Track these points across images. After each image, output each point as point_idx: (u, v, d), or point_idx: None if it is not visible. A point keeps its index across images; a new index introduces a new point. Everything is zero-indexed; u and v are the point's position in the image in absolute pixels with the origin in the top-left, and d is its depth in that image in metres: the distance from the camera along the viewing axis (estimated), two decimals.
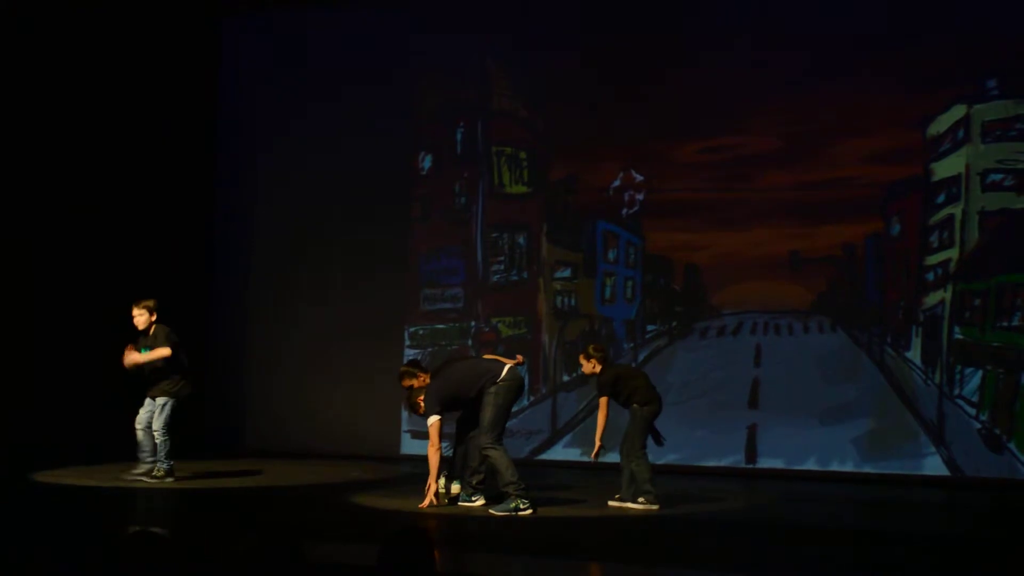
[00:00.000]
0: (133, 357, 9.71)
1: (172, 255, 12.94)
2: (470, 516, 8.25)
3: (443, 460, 8.55)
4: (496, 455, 8.27)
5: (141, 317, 9.78)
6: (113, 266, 12.13)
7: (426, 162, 13.10)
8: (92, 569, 4.99)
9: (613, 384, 8.69)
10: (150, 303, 9.83)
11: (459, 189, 12.92)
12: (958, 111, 10.86)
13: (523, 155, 12.71)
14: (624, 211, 12.17)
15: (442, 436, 8.36)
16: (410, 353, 12.73)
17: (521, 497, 8.16)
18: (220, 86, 14.03)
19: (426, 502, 8.32)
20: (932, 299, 10.94)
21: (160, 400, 9.72)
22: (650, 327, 12.05)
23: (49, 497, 9.07)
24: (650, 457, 8.71)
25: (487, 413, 8.33)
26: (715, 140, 11.89)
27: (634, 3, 12.20)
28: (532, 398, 12.21)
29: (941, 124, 10.96)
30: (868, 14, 11.21)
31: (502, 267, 12.69)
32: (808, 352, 11.36)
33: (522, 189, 12.71)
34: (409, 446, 12.53)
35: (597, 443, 8.67)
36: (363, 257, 13.19)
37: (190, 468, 10.53)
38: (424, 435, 8.48)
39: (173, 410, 9.74)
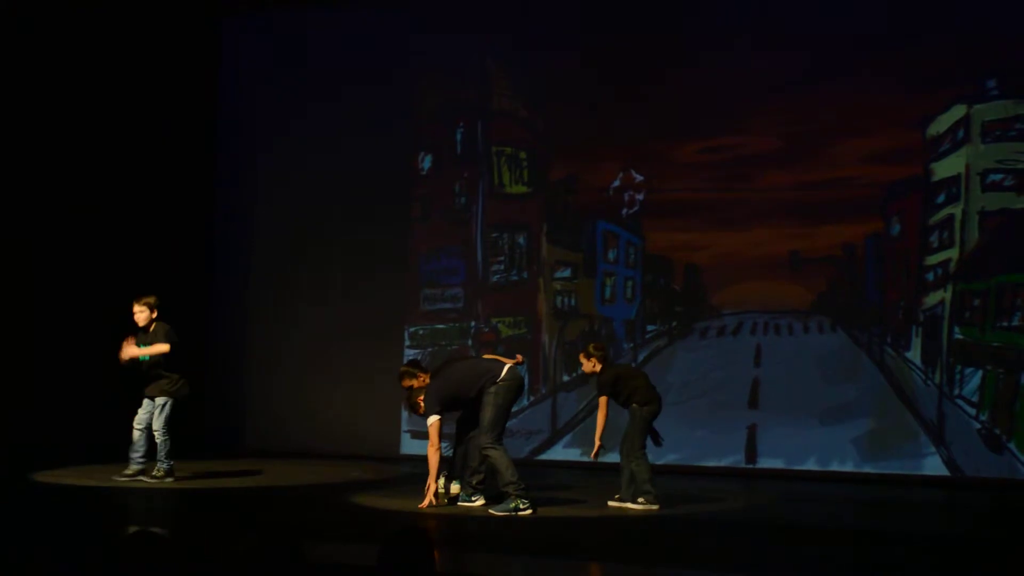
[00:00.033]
0: (130, 351, 9.71)
1: (172, 255, 12.94)
2: (470, 516, 8.25)
3: (443, 460, 8.55)
4: (496, 455, 8.28)
5: (142, 314, 9.77)
6: (113, 266, 12.13)
7: (426, 162, 13.11)
8: (92, 569, 4.99)
9: (613, 384, 8.69)
10: (151, 299, 9.82)
11: (459, 189, 12.92)
12: (958, 111, 10.86)
13: (523, 155, 12.71)
14: (624, 211, 12.18)
15: (442, 436, 8.36)
16: (410, 353, 12.73)
17: (521, 497, 8.16)
18: (220, 86, 14.03)
19: (425, 502, 8.32)
20: (932, 299, 10.94)
21: (160, 400, 9.72)
22: (650, 327, 12.05)
23: (49, 497, 9.07)
24: (650, 457, 8.71)
25: (487, 413, 8.33)
26: (715, 140, 11.89)
27: (634, 3, 12.20)
28: (532, 398, 12.21)
29: (941, 124, 10.96)
30: (868, 14, 11.21)
31: (502, 267, 12.69)
32: (808, 352, 11.36)
33: (522, 189, 12.71)
34: (409, 446, 12.54)
35: (597, 443, 8.67)
36: (363, 257, 13.20)
37: (190, 468, 10.53)
38: (424, 435, 8.48)
39: (173, 410, 9.75)
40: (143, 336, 9.77)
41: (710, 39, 11.80)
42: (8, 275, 11.57)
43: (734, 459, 11.41)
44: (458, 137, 12.98)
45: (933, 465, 10.70)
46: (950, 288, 10.85)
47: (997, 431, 10.52)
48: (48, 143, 12.04)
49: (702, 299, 11.84)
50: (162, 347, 9.68)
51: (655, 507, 8.48)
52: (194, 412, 12.05)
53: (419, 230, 13.10)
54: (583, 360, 8.82)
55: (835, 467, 11.03)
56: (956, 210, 10.85)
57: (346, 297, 13.18)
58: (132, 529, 7.18)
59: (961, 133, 10.86)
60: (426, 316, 12.95)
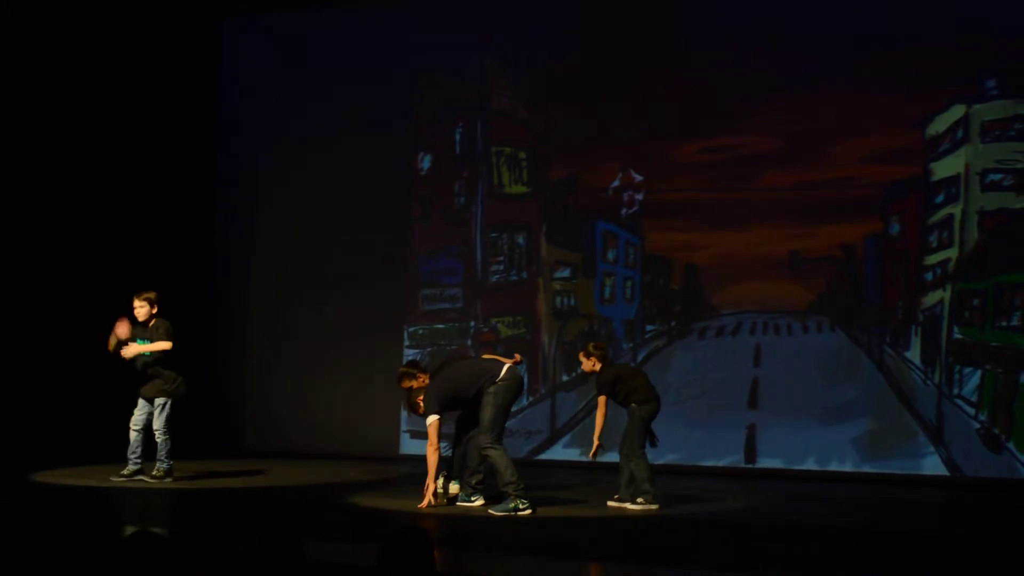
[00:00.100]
0: (133, 348, 9.68)
1: (172, 255, 12.94)
2: (469, 516, 8.25)
3: (442, 460, 8.56)
4: (495, 455, 8.28)
5: (142, 309, 9.76)
6: (113, 266, 12.13)
7: (425, 162, 13.11)
8: (92, 569, 4.99)
9: (612, 383, 8.69)
10: (151, 295, 9.81)
11: (458, 189, 12.93)
12: (957, 111, 10.87)
13: (522, 155, 12.71)
14: (623, 211, 12.18)
15: (441, 436, 8.37)
16: (410, 353, 12.74)
17: (520, 497, 8.17)
18: (220, 86, 14.03)
19: (425, 502, 8.33)
20: (931, 299, 10.94)
21: (159, 400, 9.72)
22: (649, 327, 12.06)
23: (49, 497, 9.07)
24: (649, 457, 8.72)
25: (486, 413, 8.34)
26: (715, 140, 11.89)
27: (634, 3, 12.21)
28: (531, 398, 12.22)
29: (940, 124, 10.97)
30: (868, 14, 11.21)
31: (501, 267, 12.69)
32: (807, 352, 11.37)
33: (521, 189, 12.71)
34: (408, 446, 12.54)
35: (595, 442, 8.68)
36: (363, 257, 13.20)
37: (190, 468, 10.54)
38: (423, 435, 8.48)
39: (172, 409, 9.75)
40: (142, 331, 9.76)
41: (710, 39, 11.81)
42: (8, 275, 11.58)
43: (733, 459, 11.41)
44: (457, 137, 12.99)
45: (932, 465, 10.70)
46: (949, 288, 10.85)
47: (996, 431, 10.53)
48: (48, 143, 12.05)
49: (701, 299, 11.84)
50: (164, 344, 9.68)
51: (654, 507, 8.48)
52: (194, 412, 12.08)
53: (418, 230, 13.10)
54: (583, 359, 8.82)
55: (834, 467, 11.03)
56: (955, 210, 10.85)
57: (346, 297, 13.18)
58: (132, 529, 7.18)
59: (960, 133, 10.87)
60: (425, 316, 12.96)
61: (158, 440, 9.69)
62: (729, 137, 11.81)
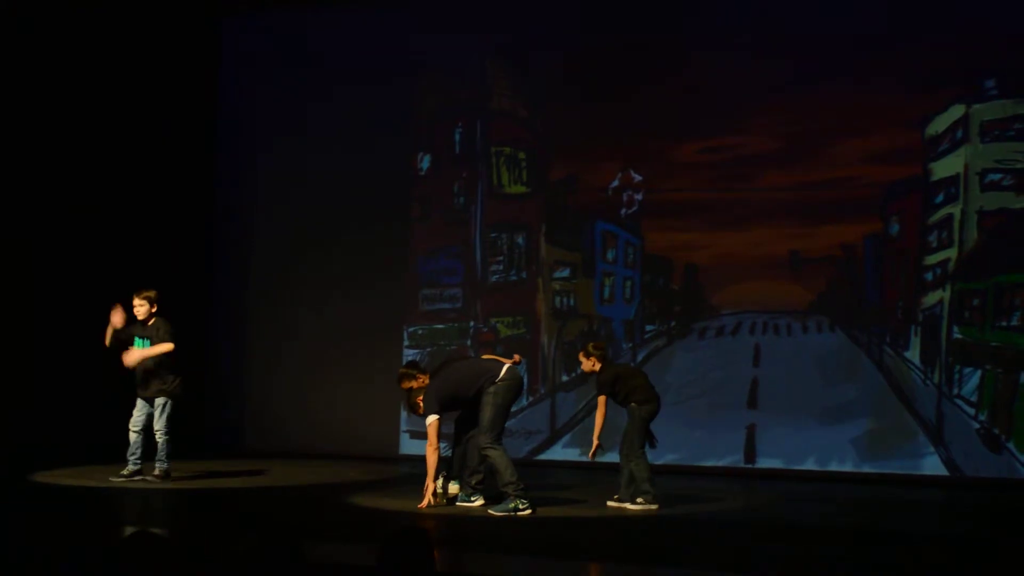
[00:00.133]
0: (135, 355, 9.65)
1: (172, 255, 12.94)
2: (469, 516, 8.25)
3: (441, 460, 8.56)
4: (495, 455, 8.28)
5: (142, 308, 9.74)
6: (113, 266, 12.12)
7: (425, 162, 13.11)
8: (92, 569, 4.99)
9: (612, 383, 8.69)
10: (151, 294, 9.79)
11: (458, 189, 12.93)
12: (957, 111, 10.87)
13: (522, 155, 12.72)
14: (623, 211, 12.18)
15: (440, 436, 8.37)
16: (409, 353, 12.74)
17: (520, 497, 8.17)
18: (220, 86, 14.04)
19: (424, 502, 8.33)
20: (931, 299, 10.95)
21: (159, 400, 9.71)
22: (649, 327, 12.06)
23: (49, 497, 9.07)
24: (649, 457, 8.72)
25: (486, 413, 8.34)
26: (715, 140, 11.89)
27: (634, 3, 12.21)
28: (531, 398, 12.22)
29: (940, 124, 10.97)
30: (868, 14, 11.22)
31: (501, 267, 12.69)
32: (807, 352, 11.37)
33: (521, 189, 12.71)
34: (408, 446, 12.54)
35: (595, 442, 8.68)
36: (362, 257, 13.20)
37: (190, 468, 10.54)
38: (423, 435, 8.48)
39: (173, 409, 9.75)
40: (141, 330, 9.75)
41: (710, 39, 11.81)
42: (8, 275, 11.58)
43: (733, 459, 11.41)
44: (457, 137, 12.99)
45: (932, 465, 10.71)
46: (949, 288, 10.86)
47: (996, 431, 10.53)
48: (48, 143, 12.05)
49: (701, 299, 11.84)
50: (166, 347, 9.67)
51: (654, 507, 8.48)
52: (194, 412, 12.08)
53: (418, 230, 13.10)
54: (582, 359, 8.82)
55: (834, 467, 11.03)
56: (955, 210, 10.86)
57: (345, 297, 13.18)
58: (131, 529, 7.19)
59: (960, 133, 10.87)
60: (425, 316, 12.96)
61: (159, 440, 9.68)
62: (729, 137, 11.81)
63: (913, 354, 10.97)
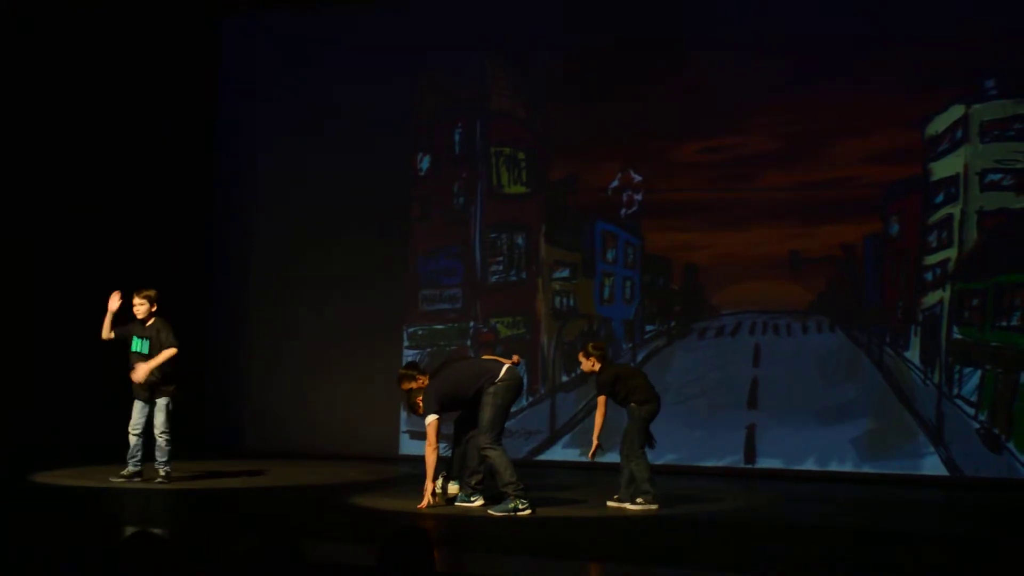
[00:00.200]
0: (143, 370, 9.60)
1: (172, 255, 12.94)
2: (469, 516, 8.25)
3: (441, 460, 8.56)
4: (495, 455, 8.28)
5: (141, 307, 9.71)
6: (113, 266, 12.11)
7: (424, 162, 13.11)
8: (92, 569, 4.99)
9: (612, 383, 8.69)
10: (151, 293, 9.76)
11: (458, 189, 12.93)
12: (957, 111, 10.87)
13: (521, 155, 12.72)
14: (623, 211, 12.18)
15: (440, 436, 8.37)
16: (409, 354, 12.74)
17: (520, 497, 8.17)
18: (220, 86, 14.04)
19: (424, 502, 8.33)
20: (931, 299, 10.95)
21: (160, 401, 9.70)
22: (649, 327, 12.06)
23: (49, 497, 9.07)
24: (649, 457, 8.72)
25: (486, 413, 8.34)
26: (715, 140, 11.89)
27: (634, 3, 12.21)
28: (531, 398, 12.22)
29: (940, 124, 10.97)
30: (868, 14, 11.21)
31: (501, 267, 12.69)
32: (807, 352, 11.37)
33: (520, 189, 12.71)
34: (408, 446, 12.54)
35: (595, 442, 8.68)
36: (362, 257, 13.20)
37: (190, 468, 10.54)
38: (423, 436, 8.48)
39: (173, 409, 9.74)
40: (140, 330, 9.74)
41: (710, 39, 11.81)
42: (8, 275, 11.58)
43: (733, 459, 11.41)
44: (456, 137, 12.99)
45: (932, 465, 10.70)
46: (949, 288, 10.86)
47: (996, 431, 10.53)
48: (48, 143, 12.05)
49: (701, 299, 11.84)
50: (171, 352, 9.66)
51: (654, 507, 8.48)
52: (194, 412, 12.09)
53: (418, 230, 13.10)
54: (582, 359, 8.82)
55: (834, 467, 11.03)
56: (955, 210, 10.86)
57: (345, 297, 13.18)
58: (131, 530, 7.19)
59: (960, 133, 10.87)
60: (425, 316, 12.96)
61: (160, 442, 9.65)
62: (729, 137, 11.81)
63: (913, 354, 10.97)
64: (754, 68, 11.58)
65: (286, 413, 13.24)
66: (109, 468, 10.02)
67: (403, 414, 12.25)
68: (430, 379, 8.57)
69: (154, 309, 9.75)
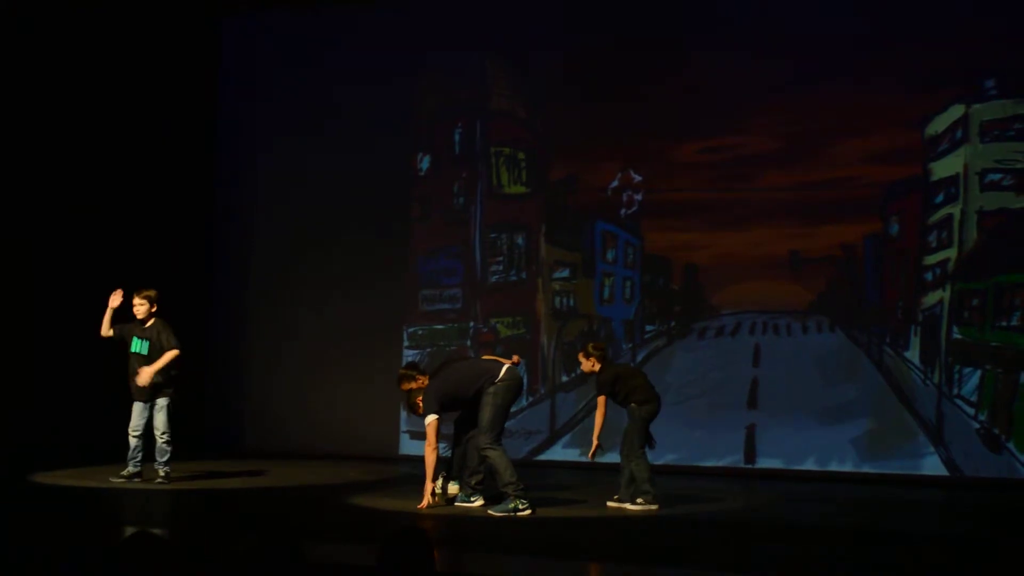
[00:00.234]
0: (147, 373, 9.59)
1: (172, 255, 12.94)
2: (469, 516, 8.25)
3: (440, 460, 8.56)
4: (495, 455, 8.28)
5: (142, 307, 9.71)
6: (113, 266, 12.10)
7: (424, 162, 13.11)
8: (92, 569, 4.99)
9: (612, 383, 8.69)
10: (151, 293, 9.75)
11: (457, 189, 12.93)
12: (956, 111, 10.87)
13: (521, 155, 12.72)
14: (623, 211, 12.18)
15: (440, 436, 8.37)
16: (409, 354, 12.74)
17: (520, 498, 8.17)
18: (220, 86, 14.04)
19: (424, 503, 8.33)
20: (931, 299, 10.95)
21: (160, 402, 9.69)
22: (649, 327, 12.06)
23: (49, 497, 9.07)
24: (649, 457, 8.72)
25: (486, 413, 8.34)
26: (715, 140, 11.89)
27: (634, 3, 12.21)
28: (531, 398, 12.22)
29: (940, 124, 10.97)
30: (868, 14, 11.22)
31: (501, 267, 12.69)
32: (807, 352, 11.37)
33: (520, 189, 12.72)
34: (408, 447, 12.54)
35: (595, 442, 8.68)
36: (362, 257, 13.20)
37: (190, 468, 10.54)
38: (423, 436, 8.48)
39: (172, 409, 9.74)
40: (140, 331, 9.73)
41: (710, 39, 11.81)
42: (8, 275, 11.58)
43: (733, 459, 11.41)
44: (456, 137, 12.99)
45: (932, 465, 10.70)
46: (949, 288, 10.86)
47: (996, 431, 10.53)
48: (48, 143, 12.05)
49: (701, 299, 11.84)
50: (173, 353, 9.65)
51: (654, 507, 8.48)
52: (194, 412, 12.09)
53: (418, 230, 13.10)
54: (582, 360, 8.82)
55: (834, 467, 11.03)
56: (955, 210, 10.86)
57: (345, 297, 13.18)
58: (131, 530, 7.19)
59: (960, 133, 10.87)
60: (425, 316, 12.96)
61: (160, 443, 9.65)
62: (729, 137, 11.81)
63: (913, 354, 10.97)
64: (754, 68, 11.58)
65: (286, 413, 13.24)
66: (109, 468, 10.02)
67: (403, 414, 12.25)
68: (430, 379, 8.57)
69: (154, 310, 9.74)
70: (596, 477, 10.41)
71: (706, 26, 11.85)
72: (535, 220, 12.57)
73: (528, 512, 8.14)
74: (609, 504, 8.68)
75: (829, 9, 11.41)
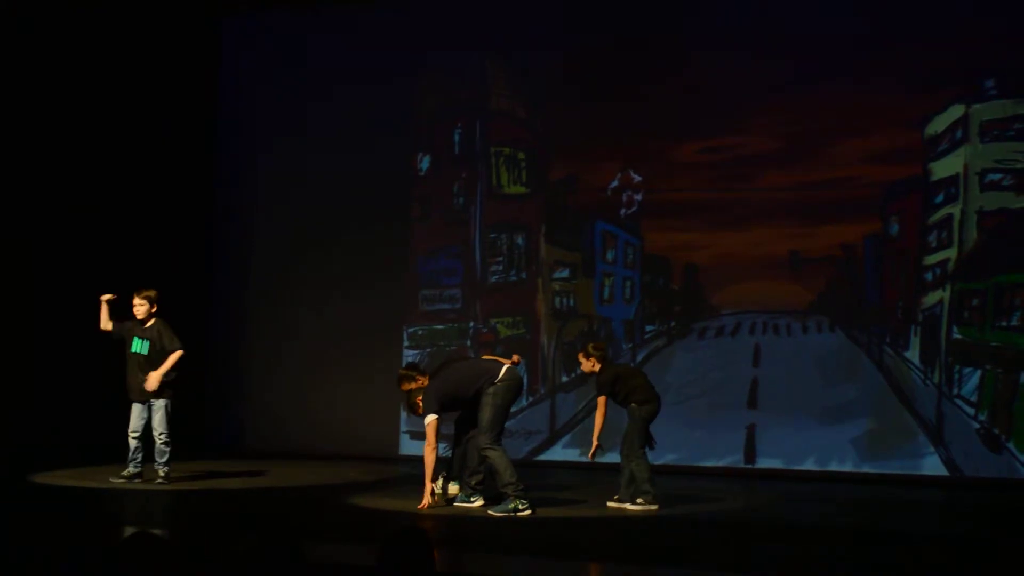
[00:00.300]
0: (154, 378, 9.58)
1: (172, 255, 12.94)
2: (469, 516, 8.25)
3: (440, 460, 8.56)
4: (495, 455, 8.28)
5: (142, 307, 9.71)
6: (113, 266, 12.11)
7: (424, 163, 13.11)
8: (92, 569, 4.99)
9: (612, 383, 8.69)
10: (152, 294, 9.75)
11: (457, 189, 12.93)
12: (956, 111, 10.87)
13: (521, 155, 12.72)
14: (623, 211, 12.18)
15: (439, 436, 8.37)
16: (409, 354, 12.74)
17: (520, 498, 8.17)
18: (220, 86, 14.04)
19: (424, 503, 8.32)
20: (931, 299, 10.95)
21: (158, 403, 9.67)
22: (649, 327, 12.06)
23: (49, 497, 9.07)
24: (649, 457, 8.72)
25: (486, 413, 8.34)
26: (715, 140, 11.89)
27: (634, 3, 12.21)
28: (531, 398, 12.22)
29: (939, 124, 10.97)
30: (868, 14, 11.22)
31: (501, 267, 12.69)
32: (807, 352, 11.37)
33: (520, 189, 12.71)
34: (408, 447, 12.54)
35: (595, 442, 8.68)
36: (362, 257, 13.20)
37: (190, 468, 10.54)
38: (423, 436, 8.47)
39: (172, 410, 9.73)
40: (140, 331, 9.73)
41: (710, 39, 11.81)
42: (8, 275, 11.58)
43: (733, 459, 11.41)
44: (456, 137, 12.99)
45: (932, 465, 10.71)
46: (949, 288, 10.86)
47: (996, 431, 10.53)
48: (48, 143, 12.05)
49: (701, 299, 11.84)
50: (178, 354, 9.65)
51: (654, 507, 8.48)
52: (194, 412, 12.09)
53: (418, 231, 13.10)
54: (582, 360, 8.82)
55: (834, 467, 11.03)
56: (955, 210, 10.86)
57: (345, 297, 13.18)
58: (131, 530, 7.19)
59: (960, 133, 10.87)
60: (425, 316, 12.96)
61: (159, 444, 9.64)
62: (729, 137, 11.81)
63: (913, 354, 10.98)
64: (754, 68, 11.58)
65: (286, 413, 13.24)
66: (109, 468, 10.02)
67: (403, 414, 12.24)
68: (430, 379, 8.57)
69: (154, 310, 9.74)
70: (596, 477, 10.41)
71: (706, 26, 11.86)
72: (535, 220, 12.57)
73: (528, 512, 8.15)
74: (609, 504, 8.69)
75: (829, 9, 11.41)
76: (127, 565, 4.06)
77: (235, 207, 13.88)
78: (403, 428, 12.64)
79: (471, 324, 12.75)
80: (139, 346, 9.70)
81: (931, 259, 10.97)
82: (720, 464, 11.40)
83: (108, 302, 9.78)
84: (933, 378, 10.84)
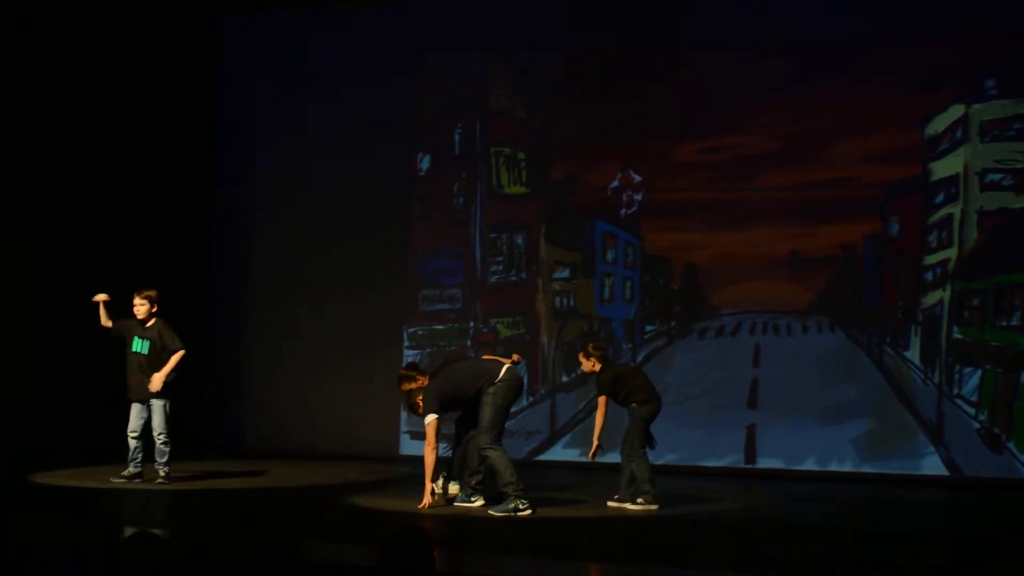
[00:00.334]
0: (158, 379, 9.59)
1: (172, 255, 12.94)
2: (469, 516, 8.25)
3: (440, 460, 8.56)
4: (495, 455, 8.28)
5: (142, 307, 9.71)
6: (113, 266, 12.11)
7: (424, 163, 13.11)
8: (92, 569, 4.99)
9: (613, 383, 8.69)
10: (152, 294, 9.75)
11: (457, 189, 12.93)
12: (956, 111, 10.87)
13: (521, 155, 12.72)
14: (623, 211, 12.18)
15: (440, 436, 8.37)
16: (409, 354, 12.74)
17: (520, 498, 8.17)
18: (220, 86, 14.04)
19: (424, 503, 8.32)
20: (931, 299, 10.95)
21: (157, 403, 9.67)
22: (649, 327, 12.06)
23: (49, 497, 9.07)
24: (649, 457, 8.72)
25: (486, 413, 8.34)
26: (715, 140, 11.89)
27: (634, 3, 12.21)
28: (531, 398, 12.22)
29: (940, 124, 10.97)
30: (868, 14, 11.22)
31: (501, 267, 12.69)
32: (807, 352, 11.37)
33: (520, 189, 12.72)
34: (408, 447, 12.54)
35: (595, 442, 8.68)
36: (362, 257, 13.20)
37: (190, 468, 10.54)
38: (423, 436, 8.47)
39: (171, 410, 9.73)
40: (140, 331, 9.73)
41: (710, 39, 11.81)
42: (8, 275, 11.58)
43: (733, 459, 11.41)
44: (456, 137, 12.99)
45: (932, 465, 10.71)
46: (949, 288, 10.86)
47: (996, 431, 10.53)
48: (48, 143, 12.05)
49: (701, 299, 11.84)
50: (181, 354, 9.65)
51: (654, 507, 8.48)
52: (194, 412, 12.09)
53: (418, 231, 13.10)
54: (582, 360, 8.82)
55: (834, 467, 11.03)
56: (955, 210, 10.86)
57: (345, 297, 13.18)
58: (131, 530, 7.19)
59: (960, 133, 10.87)
60: (425, 316, 12.96)
61: (159, 444, 9.64)
62: (729, 137, 11.81)
63: (913, 354, 10.97)
64: (754, 68, 11.58)
65: (286, 413, 13.24)
66: (109, 468, 10.02)
67: (403, 414, 12.24)
68: (430, 379, 8.57)
69: (155, 310, 9.74)
70: (596, 477, 10.41)
71: (706, 26, 11.86)
72: (535, 220, 12.57)
73: (528, 512, 8.15)
74: (609, 504, 8.69)
75: (829, 9, 11.41)
76: (127, 565, 4.06)
77: (235, 207, 13.88)
78: (403, 428, 12.64)
79: (471, 324, 12.75)
80: (139, 346, 9.70)
81: (931, 259, 10.97)
82: (720, 464, 11.41)
83: (103, 302, 9.77)
84: (933, 378, 10.84)
